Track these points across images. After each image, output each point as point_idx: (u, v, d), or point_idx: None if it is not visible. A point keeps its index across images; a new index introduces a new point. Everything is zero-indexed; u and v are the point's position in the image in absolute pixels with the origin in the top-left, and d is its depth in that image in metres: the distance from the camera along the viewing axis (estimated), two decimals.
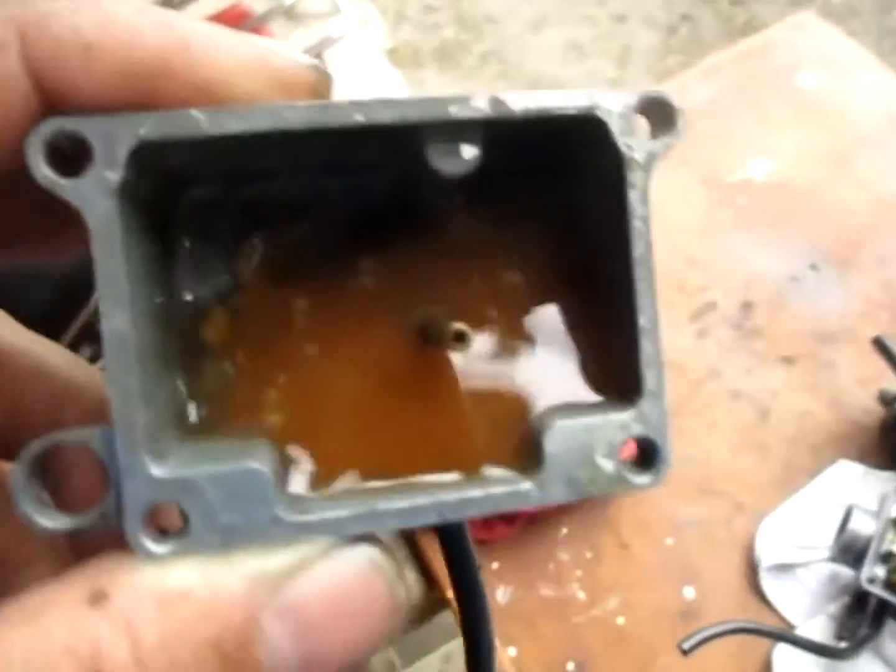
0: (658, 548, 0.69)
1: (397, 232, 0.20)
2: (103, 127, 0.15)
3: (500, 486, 0.17)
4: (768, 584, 0.66)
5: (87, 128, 0.15)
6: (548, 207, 0.20)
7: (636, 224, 0.18)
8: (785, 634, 0.57)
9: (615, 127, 0.17)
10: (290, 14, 0.99)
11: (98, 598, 0.14)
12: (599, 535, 0.70)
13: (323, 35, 0.80)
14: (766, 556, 0.66)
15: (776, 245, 0.83)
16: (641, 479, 0.18)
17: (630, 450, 0.18)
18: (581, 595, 0.68)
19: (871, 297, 0.79)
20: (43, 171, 0.15)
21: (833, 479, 0.70)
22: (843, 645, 0.60)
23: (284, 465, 0.18)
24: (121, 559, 0.15)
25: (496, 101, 0.17)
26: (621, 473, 0.18)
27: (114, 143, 0.15)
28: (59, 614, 0.14)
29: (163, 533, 0.16)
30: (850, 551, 0.60)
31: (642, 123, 0.17)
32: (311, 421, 0.19)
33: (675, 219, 0.86)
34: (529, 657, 0.66)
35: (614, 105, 0.17)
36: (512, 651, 0.66)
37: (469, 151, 0.17)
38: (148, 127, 0.15)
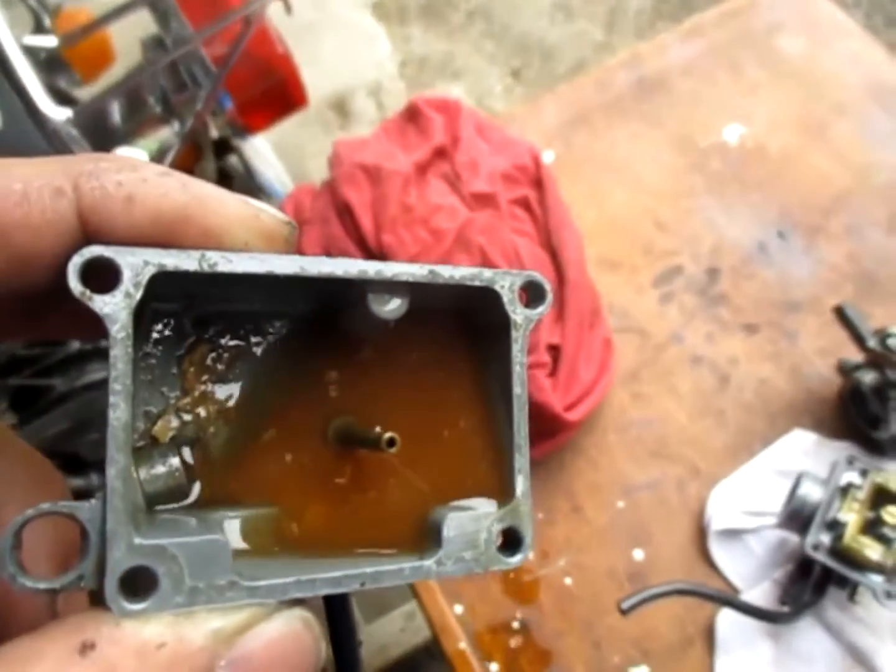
0: (610, 511, 0.69)
1: (334, 350, 0.24)
2: (134, 258, 0.19)
3: (407, 562, 0.22)
4: (716, 548, 0.66)
5: (121, 257, 0.19)
6: (466, 346, 0.26)
7: (516, 369, 0.23)
8: (724, 597, 0.57)
9: (505, 297, 0.23)
10: None
11: (86, 649, 0.17)
12: (553, 498, 0.70)
13: None
14: (716, 521, 0.66)
15: (746, 211, 0.82)
16: (511, 559, 0.23)
17: (503, 538, 0.23)
18: (530, 554, 0.67)
19: (838, 267, 0.78)
20: (78, 287, 0.19)
21: (787, 448, 0.69)
22: (784, 609, 0.60)
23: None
24: (100, 615, 0.18)
25: (431, 272, 0.22)
26: (497, 555, 0.22)
27: (140, 271, 0.19)
28: (50, 663, 0.17)
29: (136, 593, 0.18)
30: (798, 518, 0.60)
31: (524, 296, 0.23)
32: (254, 504, 0.23)
33: (645, 181, 0.84)
34: (476, 614, 0.66)
35: (507, 282, 0.23)
36: (458, 608, 0.66)
37: (400, 301, 0.22)
38: (170, 260, 0.20)
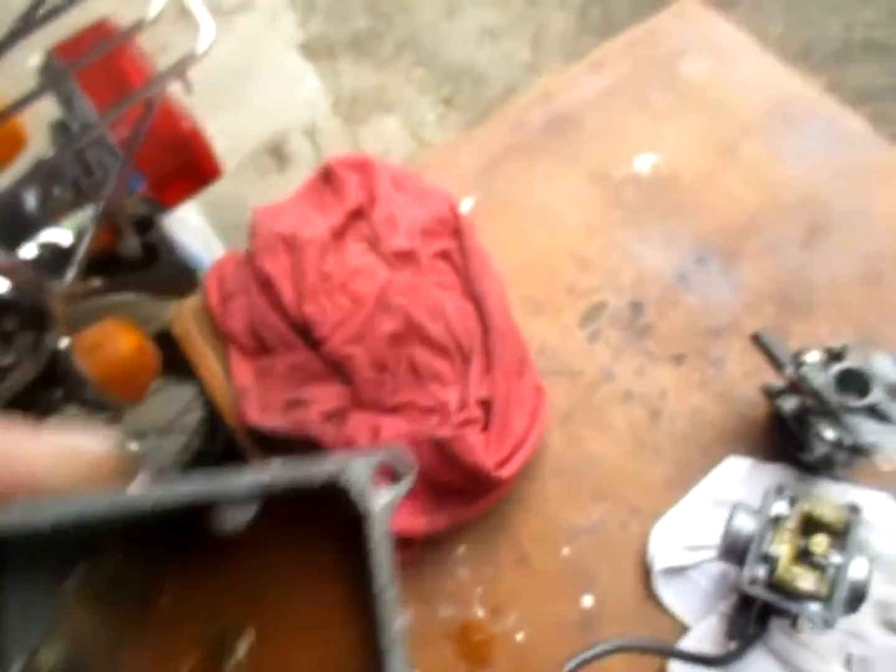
0: (555, 558, 0.69)
1: (196, 561, 0.23)
2: None
3: None
4: (662, 587, 0.66)
5: None
6: (331, 539, 0.24)
7: (378, 560, 0.22)
8: (666, 649, 0.57)
9: (354, 489, 0.22)
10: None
11: None
12: (498, 550, 0.70)
13: (184, 53, 0.76)
14: (659, 559, 0.66)
15: (664, 241, 0.83)
16: None
17: None
18: (481, 613, 0.67)
19: (757, 289, 0.80)
20: None
21: (723, 477, 0.70)
22: (730, 647, 0.60)
23: None
24: None
25: (267, 479, 0.21)
26: None
27: None
28: None
29: None
30: (734, 552, 0.60)
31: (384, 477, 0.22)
32: None
33: (564, 220, 0.85)
34: None
35: (355, 472, 0.22)
36: None
37: (247, 510, 0.21)
38: None
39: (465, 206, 0.86)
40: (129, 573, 0.23)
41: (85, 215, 0.87)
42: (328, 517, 0.24)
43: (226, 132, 2.09)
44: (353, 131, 2.18)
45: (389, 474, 0.22)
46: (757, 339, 0.67)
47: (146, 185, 0.86)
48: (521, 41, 2.30)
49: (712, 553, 0.65)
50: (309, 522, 0.24)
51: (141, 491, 0.21)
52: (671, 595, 0.66)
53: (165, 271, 0.98)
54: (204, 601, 0.23)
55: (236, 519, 0.21)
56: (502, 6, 2.35)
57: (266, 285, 0.76)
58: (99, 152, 0.81)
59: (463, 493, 0.68)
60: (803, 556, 0.58)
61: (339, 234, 0.80)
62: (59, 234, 0.91)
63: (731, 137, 0.89)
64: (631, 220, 0.85)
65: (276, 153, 2.13)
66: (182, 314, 0.83)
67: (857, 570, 0.58)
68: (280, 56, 2.31)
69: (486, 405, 0.71)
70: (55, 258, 0.91)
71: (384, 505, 0.22)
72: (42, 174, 0.82)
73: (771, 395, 0.69)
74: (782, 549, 0.58)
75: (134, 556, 0.24)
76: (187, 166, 0.84)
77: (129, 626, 0.23)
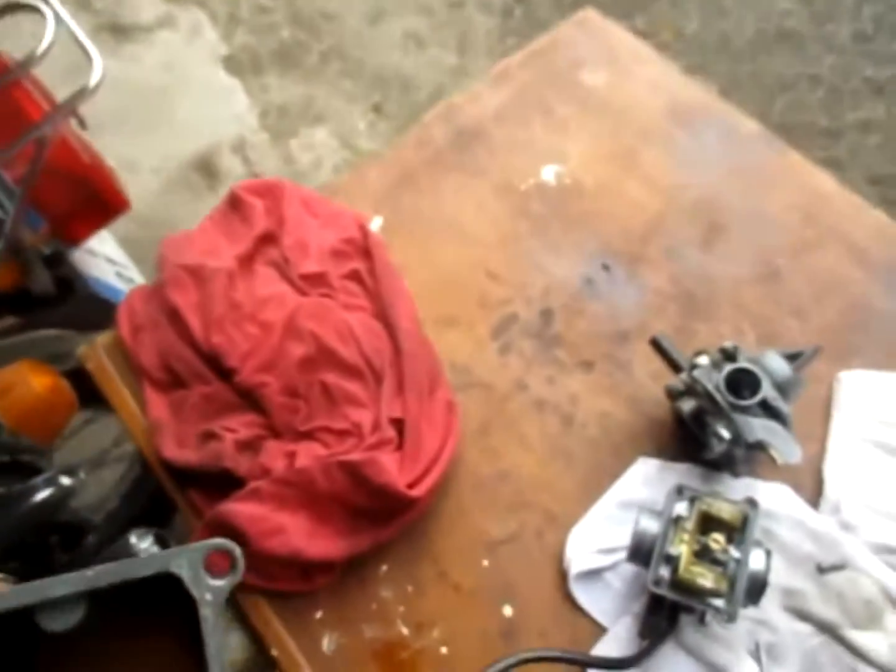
0: (475, 571, 0.70)
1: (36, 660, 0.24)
2: None
3: None
4: (578, 591, 0.68)
5: None
6: (174, 629, 0.25)
7: (210, 649, 0.22)
8: (569, 656, 0.59)
9: (187, 578, 0.22)
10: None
11: None
12: (419, 567, 0.71)
13: (78, 88, 0.76)
14: (574, 564, 0.68)
15: (570, 249, 0.85)
16: None
17: None
18: (405, 630, 0.68)
19: (661, 291, 0.82)
20: None
21: (632, 479, 0.72)
22: (642, 645, 0.62)
23: None
24: None
25: (89, 578, 0.21)
26: None
27: None
28: None
29: None
30: (640, 553, 0.62)
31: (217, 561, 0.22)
32: None
33: (474, 233, 0.87)
34: None
35: (184, 561, 0.22)
36: None
37: (74, 612, 0.21)
38: None
39: (376, 224, 0.87)
40: None
41: None
42: (168, 605, 0.24)
43: (153, 151, 2.07)
44: (283, 144, 2.17)
45: (226, 562, 0.23)
46: (655, 343, 0.69)
47: (47, 224, 0.85)
48: (446, 46, 2.32)
49: (624, 554, 0.66)
50: (149, 612, 0.24)
51: None
52: (587, 599, 0.68)
53: (82, 305, 0.97)
54: None
55: (65, 618, 0.22)
56: (426, 11, 2.36)
57: (174, 317, 0.76)
58: None
59: (381, 514, 0.69)
60: (704, 555, 0.60)
61: (247, 261, 0.80)
62: None
63: (632, 144, 0.91)
64: (538, 231, 0.86)
65: (206, 170, 2.10)
66: (94, 349, 0.82)
67: (755, 562, 0.60)
68: (204, 71, 2.29)
69: (399, 424, 0.71)
70: None
71: (217, 592, 0.22)
72: None
73: (672, 396, 0.71)
74: (682, 549, 0.60)
75: None
76: (90, 201, 0.83)
77: None
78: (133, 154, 2.03)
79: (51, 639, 0.23)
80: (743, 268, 0.83)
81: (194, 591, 0.22)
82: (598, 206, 0.87)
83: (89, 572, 0.21)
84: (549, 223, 0.87)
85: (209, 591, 0.22)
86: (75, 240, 0.88)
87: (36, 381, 0.81)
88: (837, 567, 0.67)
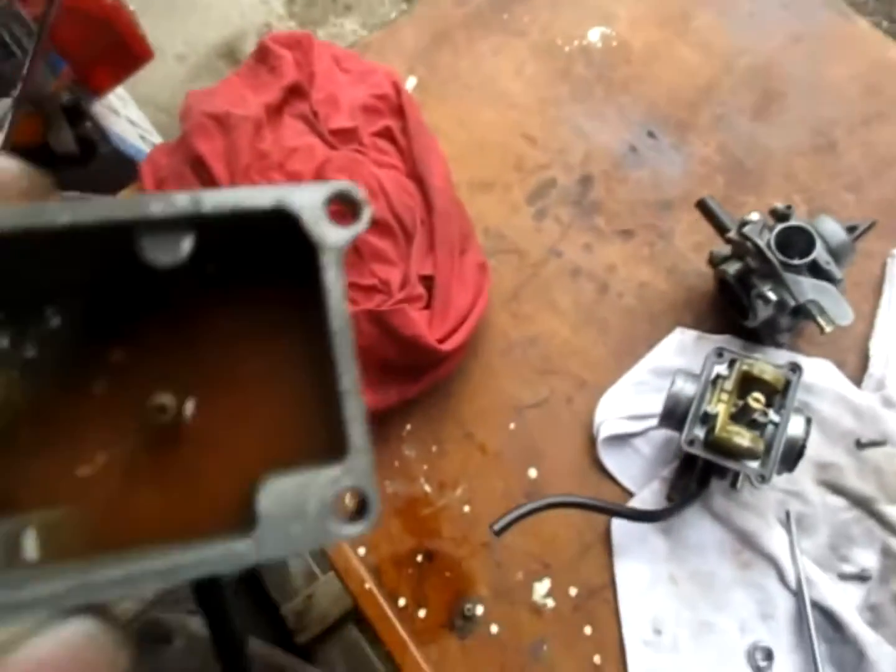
0: (502, 433, 0.69)
1: (141, 316, 0.21)
2: None
3: (214, 549, 0.18)
4: (606, 456, 0.66)
5: None
6: (282, 289, 0.22)
7: (332, 302, 0.19)
8: (596, 504, 0.57)
9: (306, 218, 0.19)
10: None
11: None
12: (444, 427, 0.69)
13: None
14: (604, 429, 0.66)
15: (614, 115, 0.80)
16: (353, 528, 0.19)
17: (342, 503, 0.19)
18: (427, 488, 0.68)
19: (708, 160, 0.78)
20: None
21: (668, 348, 0.70)
22: (666, 505, 0.61)
23: (14, 536, 0.19)
24: None
25: (196, 201, 0.18)
26: (333, 525, 0.18)
27: None
28: None
29: None
30: (674, 416, 0.60)
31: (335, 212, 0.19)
32: (46, 494, 0.20)
33: (512, 95, 0.82)
34: (379, 554, 0.66)
35: (305, 199, 0.19)
36: (362, 550, 0.66)
37: (180, 244, 0.18)
38: None
39: (409, 84, 0.83)
40: (57, 336, 0.21)
41: (4, 103, 0.83)
42: (268, 263, 0.22)
43: (179, 37, 2.00)
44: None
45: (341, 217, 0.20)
46: (702, 205, 0.66)
47: (71, 68, 0.81)
48: None
49: (655, 422, 0.65)
50: (248, 269, 0.22)
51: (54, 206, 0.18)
52: (615, 464, 0.67)
53: (104, 165, 0.94)
54: (141, 367, 0.21)
55: (173, 249, 0.19)
56: None
57: (199, 166, 0.73)
58: (14, 31, 0.76)
59: (409, 369, 0.67)
60: (741, 416, 0.58)
61: (275, 111, 0.76)
62: None
63: (685, 6, 0.85)
64: (580, 95, 0.82)
65: (232, 58, 2.04)
66: None
67: (794, 427, 0.58)
68: None
69: (429, 283, 0.69)
70: None
71: (340, 239, 0.19)
72: None
73: (716, 262, 0.67)
74: (720, 408, 0.58)
75: (64, 310, 0.21)
76: (112, 46, 0.79)
77: (54, 393, 0.21)
78: (158, 40, 1.95)
79: (151, 285, 0.21)
80: (797, 139, 0.78)
81: (313, 234, 0.19)
82: (645, 70, 0.82)
83: (201, 194, 0.18)
84: (592, 87, 0.82)
85: (331, 236, 0.19)
86: (98, 89, 0.84)
87: None
88: (877, 443, 0.65)
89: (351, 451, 0.19)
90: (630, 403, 0.67)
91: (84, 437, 0.21)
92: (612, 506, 0.57)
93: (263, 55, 0.81)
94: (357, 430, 0.19)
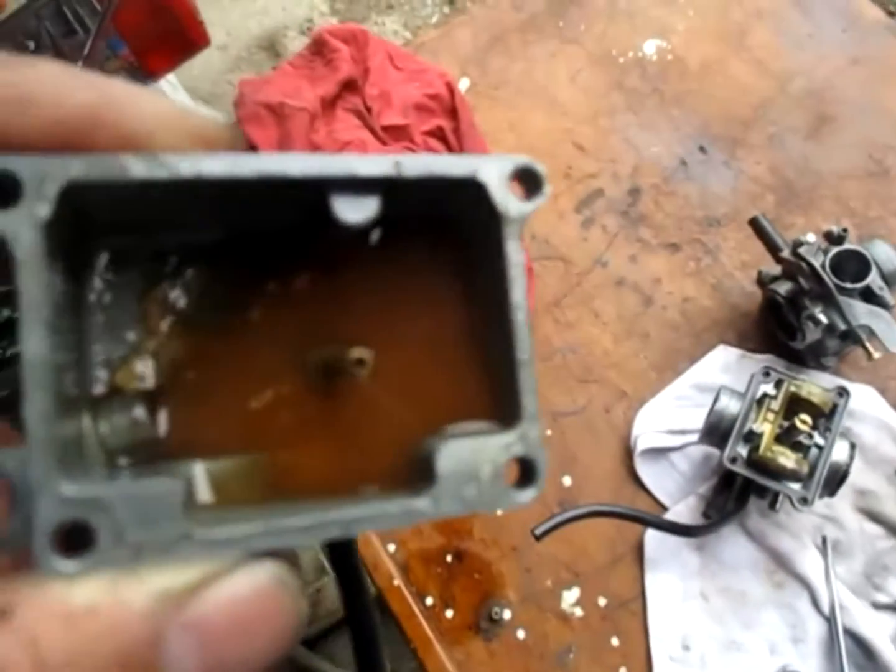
0: None
1: (304, 269, 0.22)
2: (35, 165, 0.17)
3: (396, 503, 0.18)
4: (642, 468, 0.66)
5: (19, 165, 0.16)
6: (448, 256, 0.22)
7: (513, 272, 0.20)
8: (639, 515, 0.57)
9: (493, 189, 0.19)
10: None
11: (1, 615, 0.14)
12: None
13: None
14: (641, 441, 0.66)
15: (666, 128, 0.80)
16: (523, 495, 0.19)
17: (511, 469, 0.19)
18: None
19: (759, 179, 0.77)
20: None
21: (710, 364, 0.69)
22: (704, 522, 0.60)
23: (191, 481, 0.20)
24: (27, 578, 0.15)
25: (397, 163, 0.19)
26: (505, 490, 0.19)
27: (44, 181, 0.17)
28: None
29: (72, 550, 0.16)
30: (716, 432, 0.60)
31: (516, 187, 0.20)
32: (218, 446, 0.21)
33: (564, 102, 0.82)
34: (408, 550, 0.66)
35: (493, 170, 0.19)
36: (391, 547, 0.66)
37: (369, 204, 0.19)
38: (78, 167, 0.17)
39: (462, 86, 0.83)
40: (221, 281, 0.21)
41: None
42: (443, 230, 0.22)
43: (220, 27, 2.01)
44: None
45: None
46: (755, 223, 0.65)
47: (129, 50, 0.82)
48: None
49: (695, 437, 0.64)
50: (421, 237, 0.22)
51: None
52: (651, 477, 0.66)
53: None
54: (306, 318, 0.22)
55: (363, 208, 0.19)
56: None
57: None
58: (78, 10, 0.77)
59: None
60: (786, 437, 0.57)
61: (329, 104, 0.76)
62: None
63: (742, 23, 0.85)
64: (633, 106, 0.81)
65: (272, 50, 2.05)
66: None
67: (838, 452, 0.58)
68: None
69: None
70: None
71: (522, 212, 0.20)
72: (14, 31, 0.78)
73: (765, 282, 0.67)
74: (765, 427, 0.57)
75: (229, 260, 0.21)
76: (172, 30, 0.80)
77: (219, 341, 0.21)
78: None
79: (325, 244, 0.21)
80: (850, 162, 0.77)
81: (499, 205, 0.19)
82: (699, 85, 0.82)
83: (400, 158, 0.19)
84: (645, 99, 0.82)
85: (513, 208, 0.20)
86: (154, 73, 0.85)
87: None
88: None
89: (524, 419, 0.19)
90: (670, 417, 0.67)
91: (249, 376, 0.21)
92: (657, 519, 0.57)
93: (319, 47, 0.81)
94: (530, 400, 0.20)
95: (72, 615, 0.15)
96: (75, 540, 0.16)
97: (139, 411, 0.20)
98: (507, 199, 0.20)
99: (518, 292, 0.20)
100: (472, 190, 0.20)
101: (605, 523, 0.64)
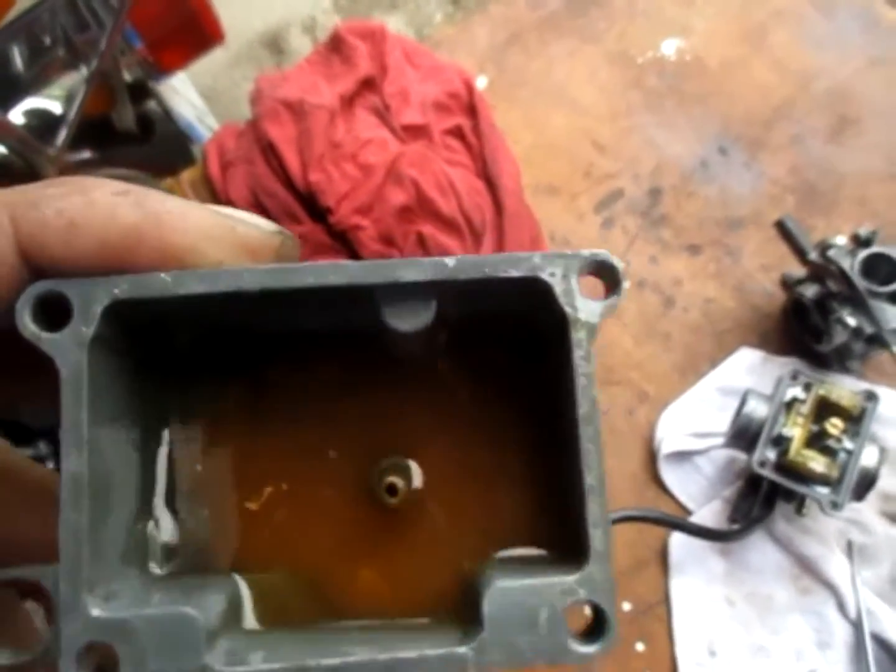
0: None
1: (373, 379, 0.21)
2: (81, 288, 0.17)
3: (436, 648, 0.16)
4: (666, 471, 0.66)
5: (67, 288, 0.17)
6: (515, 368, 0.21)
7: (581, 381, 0.17)
8: (671, 520, 0.57)
9: (558, 289, 0.17)
10: None
11: None
12: None
13: None
14: (665, 444, 0.66)
15: (686, 128, 0.79)
16: (587, 648, 0.16)
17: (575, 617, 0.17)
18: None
19: (780, 180, 0.77)
20: (29, 328, 0.17)
21: (733, 367, 0.69)
22: (734, 527, 0.60)
23: (235, 605, 0.19)
24: None
25: (440, 266, 0.17)
26: (565, 642, 0.16)
27: (90, 302, 0.17)
28: None
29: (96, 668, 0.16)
30: (744, 436, 0.59)
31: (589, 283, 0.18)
32: (267, 564, 0.20)
33: (583, 101, 0.81)
34: None
35: (559, 268, 0.17)
36: None
37: (420, 310, 0.18)
38: (122, 288, 0.17)
39: (479, 84, 0.82)
40: (294, 387, 0.21)
41: (77, 77, 0.83)
42: (510, 336, 0.20)
43: (223, 22, 2.00)
44: None
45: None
46: (781, 225, 0.65)
47: (144, 45, 0.81)
48: None
49: (720, 440, 0.64)
50: (482, 347, 0.20)
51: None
52: (675, 480, 0.66)
53: (162, 146, 0.94)
54: (378, 433, 0.21)
55: (415, 316, 0.18)
56: None
57: (269, 153, 0.73)
58: (92, 4, 0.76)
59: None
60: (815, 441, 0.57)
61: (348, 102, 0.75)
62: (48, 103, 0.87)
63: (762, 23, 0.84)
64: (652, 106, 0.81)
65: (275, 47, 2.04)
66: (179, 184, 0.79)
67: (868, 457, 0.57)
68: None
69: None
70: (44, 125, 0.87)
71: (593, 313, 0.17)
72: (30, 26, 0.77)
73: (790, 284, 0.67)
74: (795, 431, 0.57)
75: (292, 367, 0.21)
76: (188, 26, 0.79)
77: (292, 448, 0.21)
78: None
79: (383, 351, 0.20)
80: (872, 165, 0.77)
81: (566, 306, 0.17)
82: (719, 85, 0.81)
83: (448, 260, 0.17)
84: (664, 99, 0.81)
85: (583, 309, 0.17)
86: (168, 68, 0.84)
87: None
88: None
89: (591, 558, 0.17)
90: (694, 420, 0.67)
91: (313, 497, 0.21)
92: (688, 524, 0.57)
93: (337, 44, 0.80)
94: (599, 535, 0.17)
95: None
96: (101, 665, 0.16)
97: (190, 521, 0.20)
98: (574, 299, 0.18)
99: (586, 405, 0.17)
100: (535, 290, 0.18)
101: (626, 528, 0.63)
